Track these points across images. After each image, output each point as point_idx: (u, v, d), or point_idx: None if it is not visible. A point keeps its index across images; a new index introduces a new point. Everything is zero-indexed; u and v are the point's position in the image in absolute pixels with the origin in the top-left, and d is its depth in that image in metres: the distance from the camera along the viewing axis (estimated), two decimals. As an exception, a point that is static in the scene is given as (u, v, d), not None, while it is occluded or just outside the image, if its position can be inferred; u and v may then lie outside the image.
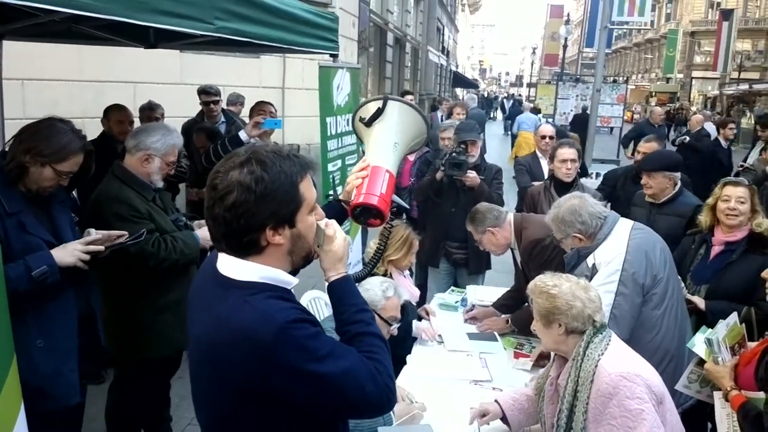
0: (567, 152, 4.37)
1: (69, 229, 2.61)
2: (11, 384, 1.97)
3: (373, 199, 1.77)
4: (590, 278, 2.68)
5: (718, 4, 43.38)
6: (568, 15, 37.63)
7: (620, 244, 2.79)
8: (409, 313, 3.36)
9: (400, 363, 3.07)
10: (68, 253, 2.40)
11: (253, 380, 1.35)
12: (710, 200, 3.31)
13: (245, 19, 2.94)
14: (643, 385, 2.01)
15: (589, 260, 2.87)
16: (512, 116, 19.20)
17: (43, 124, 2.49)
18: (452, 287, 4.54)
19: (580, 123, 12.55)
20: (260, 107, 4.61)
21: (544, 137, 5.50)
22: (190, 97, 5.86)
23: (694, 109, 30.96)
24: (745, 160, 7.83)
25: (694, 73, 46.07)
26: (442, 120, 10.21)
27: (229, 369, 1.36)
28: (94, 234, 2.55)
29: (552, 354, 2.44)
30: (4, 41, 3.80)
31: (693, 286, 3.27)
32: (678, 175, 3.88)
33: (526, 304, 2.89)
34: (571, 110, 15.26)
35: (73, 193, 3.31)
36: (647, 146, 4.80)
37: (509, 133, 20.87)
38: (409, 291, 3.59)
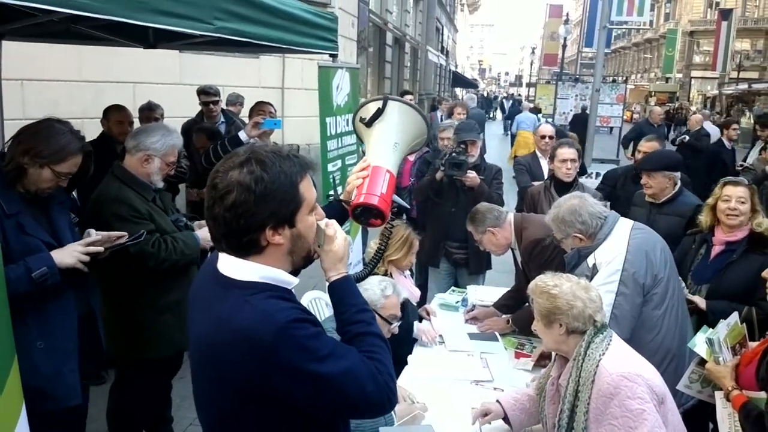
0: (567, 152, 4.37)
1: (68, 230, 2.60)
2: (12, 384, 1.97)
3: (374, 199, 1.77)
4: (591, 278, 2.68)
5: (717, 3, 43.41)
6: (567, 15, 37.54)
7: (620, 244, 2.79)
8: (410, 313, 3.36)
9: (401, 363, 3.07)
10: (68, 255, 2.40)
11: (254, 380, 1.34)
12: (710, 200, 3.30)
13: (244, 20, 2.93)
14: (644, 385, 2.01)
15: (590, 260, 2.87)
16: (512, 116, 19.22)
17: (41, 125, 2.49)
18: (453, 287, 4.53)
19: (580, 123, 12.55)
20: (260, 107, 4.61)
21: (543, 137, 5.50)
22: (190, 97, 5.86)
23: (693, 108, 30.95)
24: (744, 160, 7.83)
25: (694, 73, 46.13)
26: (441, 120, 10.21)
27: (229, 369, 1.36)
28: (93, 235, 2.55)
29: (553, 354, 2.44)
30: (3, 41, 3.80)
31: (694, 286, 3.26)
32: (678, 174, 3.88)
33: (527, 304, 2.89)
34: (571, 110, 15.28)
35: (73, 193, 3.31)
36: (648, 145, 4.80)
37: (509, 132, 20.89)
38: (410, 291, 3.59)
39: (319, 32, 3.89)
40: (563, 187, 4.30)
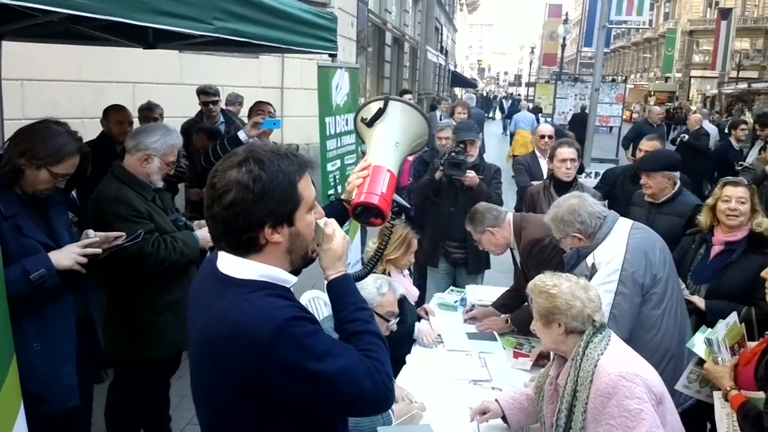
0: (566, 152, 4.37)
1: (65, 231, 2.60)
2: (11, 384, 1.97)
3: (374, 198, 1.77)
4: (590, 278, 2.68)
5: (717, 3, 43.42)
6: (567, 14, 37.53)
7: (620, 244, 2.79)
8: (410, 314, 3.36)
9: (399, 363, 3.07)
10: (65, 256, 2.39)
11: (251, 377, 1.35)
12: (710, 200, 3.31)
13: (244, 20, 2.93)
14: (642, 385, 2.01)
15: (589, 260, 2.87)
16: (511, 116, 19.24)
17: (38, 127, 2.48)
18: (451, 287, 4.53)
19: (579, 122, 12.57)
20: (259, 107, 4.61)
21: (543, 137, 5.50)
22: (189, 97, 5.86)
23: (693, 108, 30.95)
24: (744, 159, 7.83)
25: (693, 72, 46.14)
26: (441, 119, 10.20)
27: (227, 363, 1.37)
28: (92, 236, 2.54)
29: (551, 354, 2.44)
30: (3, 41, 3.80)
31: (693, 286, 3.27)
32: (677, 174, 3.88)
33: (526, 303, 2.89)
34: (570, 110, 15.30)
35: (73, 193, 3.31)
36: (649, 144, 4.80)
37: (507, 132, 20.90)
38: (409, 291, 3.59)
39: (318, 32, 3.89)
40: (562, 187, 4.29)
